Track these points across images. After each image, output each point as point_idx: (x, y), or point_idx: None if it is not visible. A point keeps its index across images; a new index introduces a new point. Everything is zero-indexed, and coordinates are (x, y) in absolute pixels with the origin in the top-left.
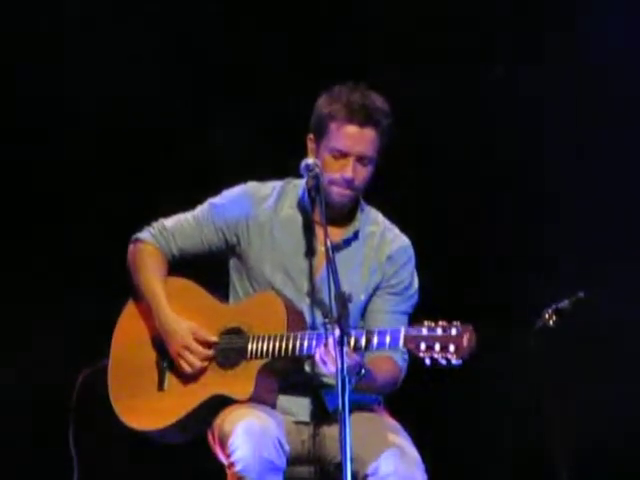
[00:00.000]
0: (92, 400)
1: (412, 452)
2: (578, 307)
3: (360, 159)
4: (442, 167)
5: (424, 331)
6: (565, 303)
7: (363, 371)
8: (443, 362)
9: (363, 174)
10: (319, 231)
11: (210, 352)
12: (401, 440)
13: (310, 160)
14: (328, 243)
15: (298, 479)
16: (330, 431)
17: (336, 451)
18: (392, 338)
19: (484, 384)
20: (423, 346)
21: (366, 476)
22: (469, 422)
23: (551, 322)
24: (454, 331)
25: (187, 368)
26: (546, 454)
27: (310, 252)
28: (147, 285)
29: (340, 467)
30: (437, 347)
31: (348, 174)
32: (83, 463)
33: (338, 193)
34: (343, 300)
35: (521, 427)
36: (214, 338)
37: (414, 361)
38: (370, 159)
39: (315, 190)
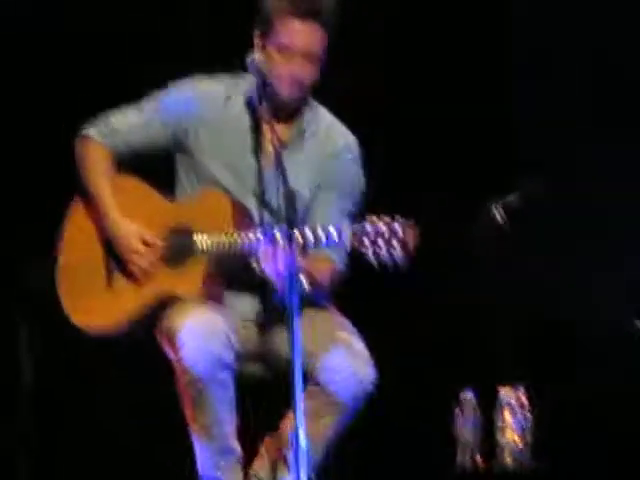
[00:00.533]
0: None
1: (361, 347)
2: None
3: (306, 56)
4: None
5: (368, 227)
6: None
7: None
8: (387, 257)
9: (311, 70)
10: (266, 129)
11: (157, 254)
12: (350, 335)
13: (257, 56)
14: (275, 140)
15: (248, 376)
16: (279, 327)
17: (285, 347)
18: (338, 233)
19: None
20: (367, 242)
21: (314, 370)
22: (416, 320)
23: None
24: (397, 226)
25: (137, 272)
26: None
27: (257, 150)
28: (94, 186)
29: (290, 363)
30: (381, 242)
31: (295, 71)
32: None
33: (286, 90)
34: (291, 198)
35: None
36: (160, 241)
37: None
38: (317, 55)
39: (261, 87)
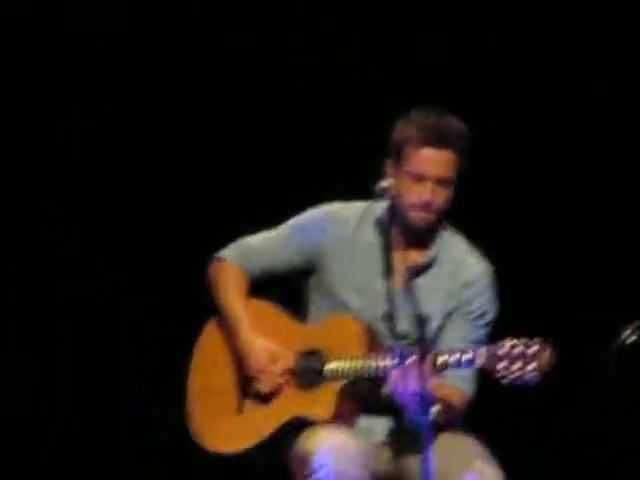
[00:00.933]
0: None
1: (491, 470)
2: None
3: (438, 182)
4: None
5: (504, 349)
6: None
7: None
8: (520, 382)
9: (442, 197)
10: (397, 254)
11: (285, 374)
12: (483, 460)
13: (384, 183)
14: (406, 265)
15: None
16: (412, 451)
17: (418, 473)
18: (470, 358)
19: (564, 405)
20: (502, 365)
21: None
22: (554, 446)
23: (634, 338)
24: (534, 349)
25: (263, 389)
26: None
27: (388, 275)
28: (229, 305)
29: None
30: (515, 366)
31: (426, 197)
32: None
33: (417, 217)
34: (422, 320)
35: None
36: (291, 360)
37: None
38: (448, 181)
39: (392, 212)
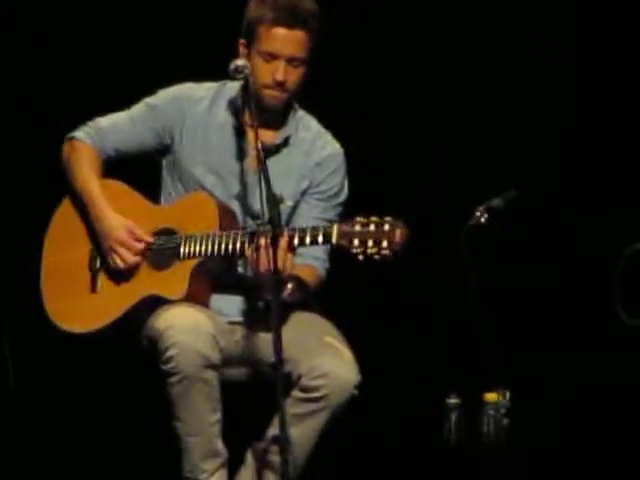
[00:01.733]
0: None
1: (347, 352)
2: (510, 205)
3: (291, 61)
4: None
5: (357, 227)
6: (497, 201)
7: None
8: (377, 257)
9: (294, 76)
10: (251, 134)
11: (143, 246)
12: (335, 340)
13: (239, 61)
14: (259, 145)
15: (232, 381)
16: (264, 330)
17: (270, 351)
18: (324, 235)
19: (417, 284)
20: (356, 242)
21: (300, 376)
22: (401, 324)
23: (483, 220)
24: (387, 226)
25: (120, 263)
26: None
27: (241, 155)
28: (83, 183)
29: (274, 368)
30: (370, 243)
31: (279, 76)
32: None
33: (270, 96)
34: (275, 201)
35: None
36: (148, 237)
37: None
38: (301, 60)
39: (245, 92)
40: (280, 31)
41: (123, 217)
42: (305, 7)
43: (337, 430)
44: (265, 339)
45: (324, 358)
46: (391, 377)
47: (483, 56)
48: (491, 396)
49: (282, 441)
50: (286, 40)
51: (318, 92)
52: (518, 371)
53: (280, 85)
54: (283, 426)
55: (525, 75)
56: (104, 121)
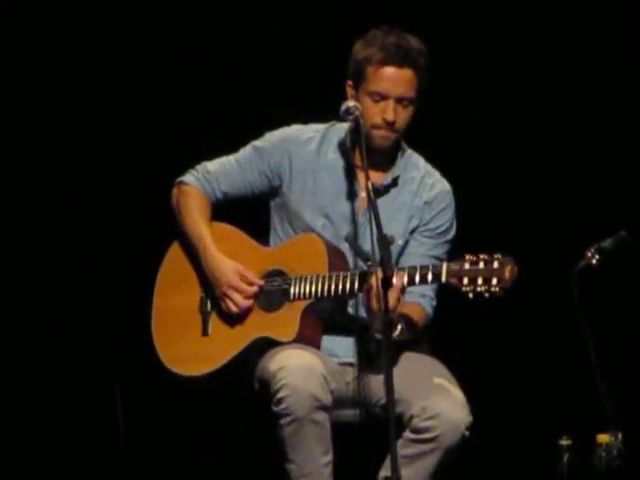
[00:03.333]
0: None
1: (458, 393)
2: (621, 246)
3: (400, 100)
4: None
5: (466, 265)
6: (608, 242)
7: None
8: (486, 295)
9: (404, 116)
10: (360, 175)
11: (255, 289)
12: (446, 381)
13: (350, 103)
14: (370, 186)
15: (343, 422)
16: (374, 373)
17: (381, 393)
18: (434, 274)
19: (528, 325)
20: (466, 280)
21: (412, 417)
22: (513, 362)
23: (594, 261)
24: (496, 264)
25: (233, 308)
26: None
27: (350, 196)
28: (193, 227)
29: (385, 409)
30: (480, 281)
31: (389, 116)
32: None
33: (380, 136)
34: (386, 242)
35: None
36: (259, 279)
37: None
38: (410, 100)
39: (356, 133)
40: (389, 70)
41: (233, 261)
42: (413, 46)
43: (449, 471)
44: (376, 380)
45: (435, 399)
46: (503, 418)
47: (589, 94)
48: (603, 437)
49: None
50: (395, 79)
51: (426, 130)
52: (631, 412)
53: (390, 125)
54: (395, 467)
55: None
56: (212, 165)
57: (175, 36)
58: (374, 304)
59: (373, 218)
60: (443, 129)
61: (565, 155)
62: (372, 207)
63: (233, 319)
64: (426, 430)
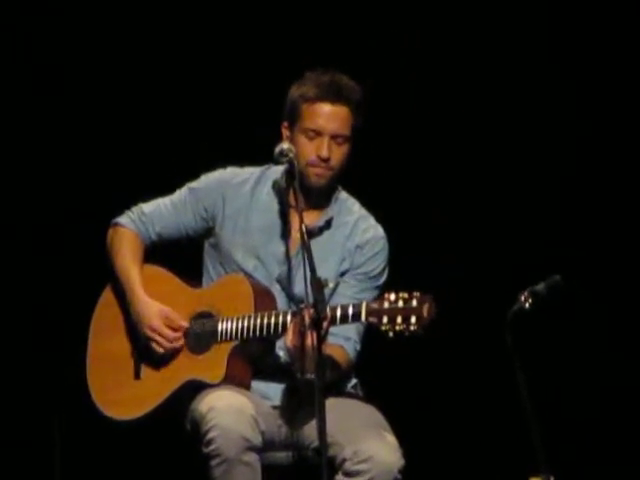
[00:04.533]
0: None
1: (389, 436)
2: (555, 290)
3: (334, 137)
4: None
5: (385, 304)
6: (541, 286)
7: None
8: (406, 334)
9: (338, 153)
10: (294, 216)
11: (179, 334)
12: (378, 424)
13: (284, 145)
14: (303, 228)
15: (276, 465)
16: (306, 416)
17: (313, 435)
18: (354, 313)
19: (461, 369)
20: (385, 319)
21: (344, 460)
22: (445, 406)
23: (527, 305)
24: (414, 302)
25: (158, 350)
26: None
27: (283, 236)
28: (122, 269)
29: (318, 452)
30: (399, 319)
31: (323, 153)
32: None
33: (315, 174)
34: (319, 284)
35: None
36: (184, 322)
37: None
38: (344, 137)
39: (289, 174)
40: (323, 107)
41: (159, 303)
42: (347, 83)
43: None
44: (309, 424)
45: (368, 442)
46: (434, 461)
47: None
48: None
49: None
50: (330, 116)
51: (361, 174)
52: (562, 456)
53: (324, 161)
54: None
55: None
56: (147, 207)
57: None
58: (289, 341)
59: (307, 260)
60: (378, 173)
61: (499, 197)
62: (305, 248)
63: (163, 362)
64: (358, 473)
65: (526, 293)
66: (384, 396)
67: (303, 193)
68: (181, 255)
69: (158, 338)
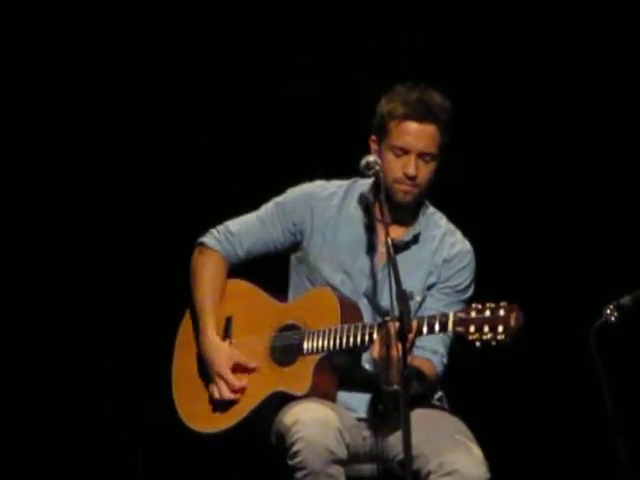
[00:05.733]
0: None
1: (475, 449)
2: None
3: (422, 155)
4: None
5: (472, 313)
6: (627, 299)
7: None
8: (493, 343)
9: (425, 171)
10: (381, 230)
11: (244, 383)
12: (464, 437)
13: (370, 157)
14: (389, 241)
15: (361, 477)
16: (392, 428)
17: (398, 448)
18: (441, 323)
19: (545, 382)
20: (472, 329)
21: (429, 473)
22: (530, 419)
23: (613, 318)
24: (502, 311)
25: (217, 395)
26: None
27: (370, 251)
28: (199, 301)
29: (403, 465)
30: (486, 329)
31: (410, 171)
32: None
33: (401, 190)
34: (405, 298)
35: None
36: (254, 364)
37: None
38: (432, 155)
39: (376, 188)
40: (411, 125)
41: (229, 347)
42: (436, 101)
43: None
44: (394, 435)
45: (453, 455)
46: (519, 475)
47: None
48: None
49: None
50: (417, 134)
51: (449, 189)
52: None
53: (411, 179)
54: None
55: None
56: (234, 225)
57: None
58: (387, 354)
59: (392, 274)
60: (466, 188)
61: (587, 213)
62: (391, 263)
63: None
64: None
65: (612, 306)
66: (469, 409)
67: (390, 207)
68: (267, 270)
69: (223, 386)
